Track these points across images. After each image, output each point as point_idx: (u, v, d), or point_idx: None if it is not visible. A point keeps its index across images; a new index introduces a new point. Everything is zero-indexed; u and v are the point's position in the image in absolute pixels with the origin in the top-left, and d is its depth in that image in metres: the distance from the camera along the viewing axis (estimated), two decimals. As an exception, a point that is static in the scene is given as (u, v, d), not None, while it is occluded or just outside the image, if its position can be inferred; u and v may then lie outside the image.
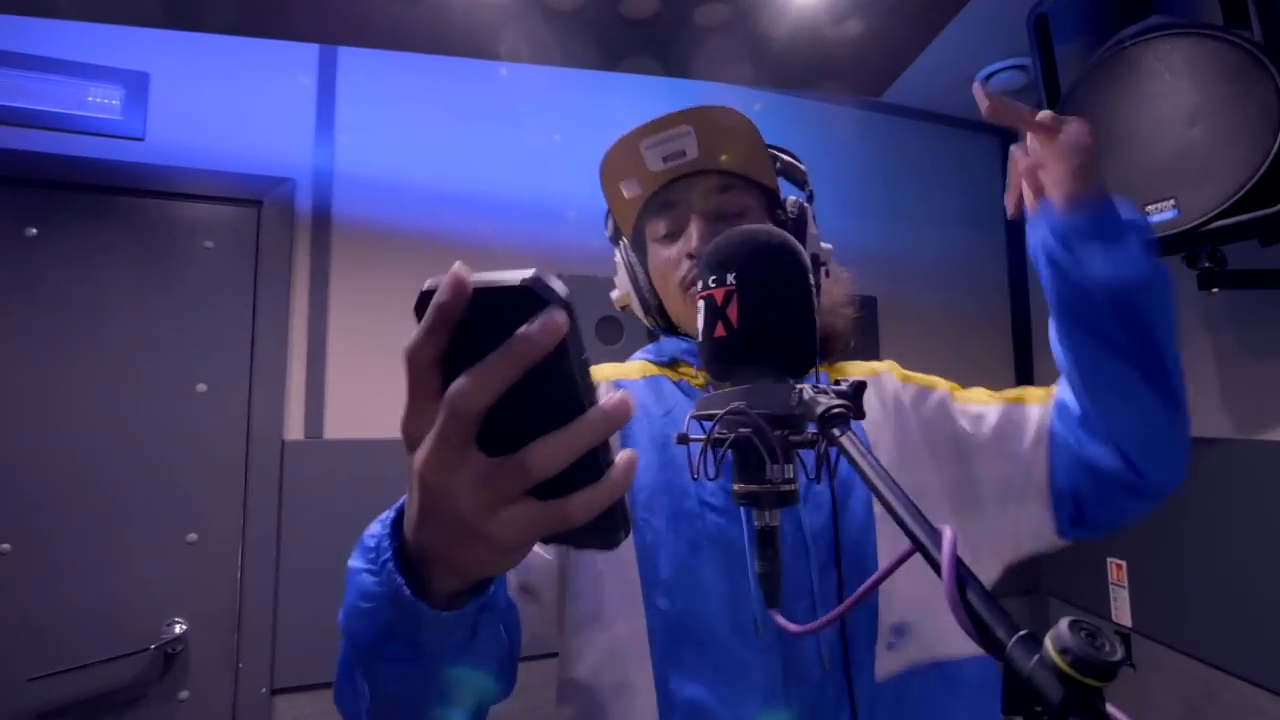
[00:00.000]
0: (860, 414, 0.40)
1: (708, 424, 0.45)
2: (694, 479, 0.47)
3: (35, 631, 1.31)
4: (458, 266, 0.27)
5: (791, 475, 0.44)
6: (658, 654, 0.59)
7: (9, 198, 1.37)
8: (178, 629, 1.39)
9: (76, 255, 1.41)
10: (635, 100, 1.80)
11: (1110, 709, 0.23)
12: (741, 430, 0.43)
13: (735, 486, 0.45)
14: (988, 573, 0.69)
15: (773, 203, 0.73)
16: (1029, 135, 0.60)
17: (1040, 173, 0.60)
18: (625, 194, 0.71)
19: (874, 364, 0.80)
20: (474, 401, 0.27)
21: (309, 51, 1.59)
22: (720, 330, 0.45)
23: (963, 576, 0.28)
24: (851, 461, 0.36)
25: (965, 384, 0.82)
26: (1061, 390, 0.69)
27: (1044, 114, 0.59)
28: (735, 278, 0.44)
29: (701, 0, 1.15)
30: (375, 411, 1.56)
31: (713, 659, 0.58)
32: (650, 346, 0.80)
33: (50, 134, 1.40)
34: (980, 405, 0.73)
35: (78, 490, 1.37)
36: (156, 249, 1.46)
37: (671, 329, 0.76)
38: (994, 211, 2.30)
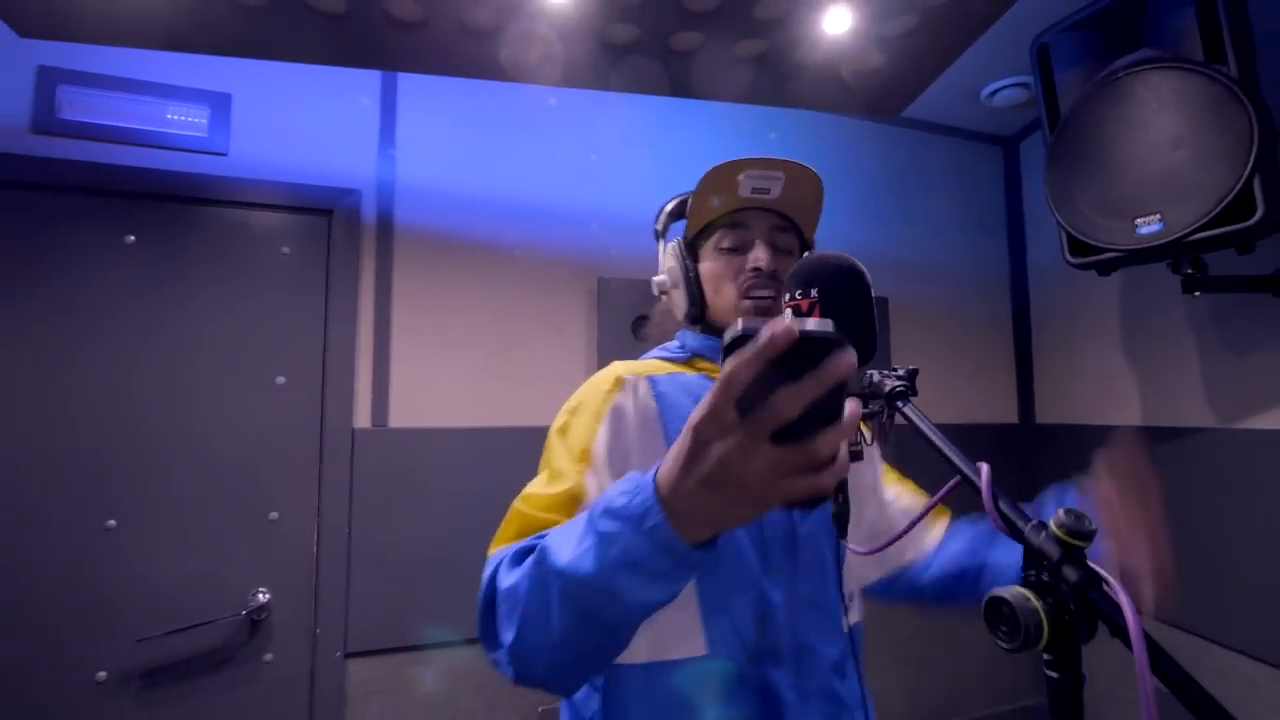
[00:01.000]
0: (915, 392, 0.55)
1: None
2: None
3: (140, 598, 1.46)
4: (789, 324, 0.36)
5: (859, 439, 0.59)
6: (705, 597, 0.75)
7: (111, 208, 1.52)
8: (262, 598, 1.55)
9: (169, 260, 1.56)
10: (667, 120, 1.95)
11: (1088, 561, 0.38)
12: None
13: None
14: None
15: (804, 252, 0.89)
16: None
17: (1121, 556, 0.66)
18: (711, 205, 0.85)
19: None
20: (792, 410, 0.37)
21: (372, 75, 1.73)
22: (804, 331, 0.60)
23: (996, 493, 0.43)
24: (914, 424, 0.51)
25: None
26: (936, 550, 0.89)
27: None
28: (818, 291, 0.59)
29: (742, 35, 1.29)
30: (434, 403, 1.71)
31: (747, 600, 0.75)
32: (665, 346, 0.93)
33: (145, 150, 1.55)
34: (897, 489, 0.95)
35: (173, 473, 1.52)
36: (239, 254, 1.61)
37: (700, 321, 0.90)
38: (996, 217, 2.45)
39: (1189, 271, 1.43)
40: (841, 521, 0.60)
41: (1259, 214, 1.22)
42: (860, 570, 0.86)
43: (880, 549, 0.58)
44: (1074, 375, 2.20)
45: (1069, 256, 1.54)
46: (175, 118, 1.57)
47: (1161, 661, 0.36)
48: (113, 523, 1.47)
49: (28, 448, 1.43)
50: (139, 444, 1.50)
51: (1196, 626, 1.72)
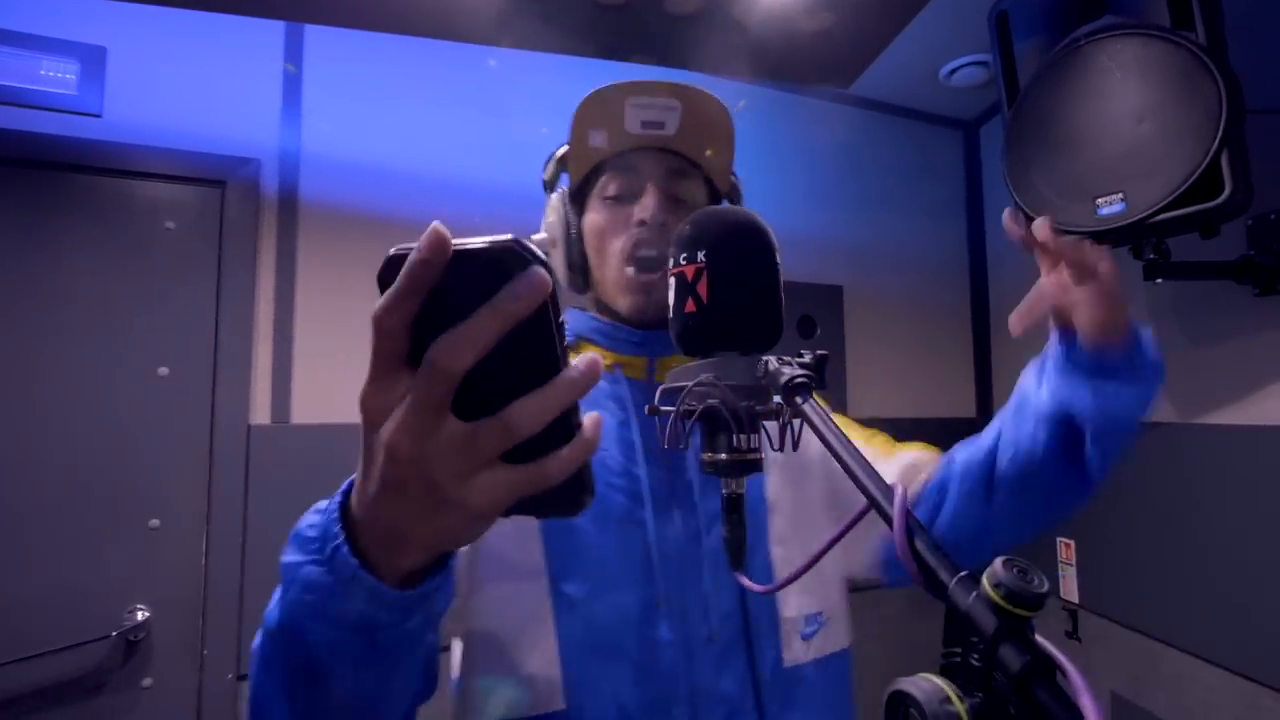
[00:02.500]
0: (823, 384, 0.42)
1: (674, 397, 0.47)
2: (665, 448, 0.49)
3: (-10, 620, 1.28)
4: (437, 225, 0.26)
5: (756, 444, 0.46)
6: (564, 639, 0.60)
7: (-43, 173, 1.33)
8: (140, 616, 1.37)
9: (31, 234, 1.37)
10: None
11: (1037, 638, 0.26)
12: (709, 401, 0.45)
13: (704, 455, 0.47)
14: (831, 580, 0.72)
15: (717, 199, 0.75)
16: (1060, 266, 0.60)
17: (1069, 306, 0.60)
18: (591, 142, 0.70)
19: None
20: (459, 360, 0.26)
21: (274, 29, 1.55)
22: (690, 306, 0.46)
23: (911, 527, 0.31)
24: (814, 428, 0.38)
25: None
26: (964, 456, 0.70)
27: (1088, 252, 0.59)
28: (705, 255, 0.46)
29: (673, -12, 1.16)
30: (344, 396, 1.54)
31: (621, 638, 0.61)
32: None
33: (1, 108, 1.35)
34: (879, 453, 0.78)
35: (35, 476, 1.33)
36: (116, 229, 1.43)
37: (586, 289, 0.75)
38: (956, 202, 2.37)
39: (1151, 257, 1.34)
40: (734, 548, 0.47)
41: (1226, 193, 1.13)
42: (819, 580, 0.70)
43: (783, 585, 0.45)
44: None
45: (1027, 240, 1.44)
46: (38, 72, 1.37)
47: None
48: (-42, 534, 1.28)
49: None
50: (-9, 444, 1.31)
51: (1154, 630, 1.65)
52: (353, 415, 1.25)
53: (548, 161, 0.78)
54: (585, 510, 0.32)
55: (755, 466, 0.46)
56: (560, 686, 0.59)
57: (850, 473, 0.35)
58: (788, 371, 0.41)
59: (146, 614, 1.38)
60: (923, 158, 2.32)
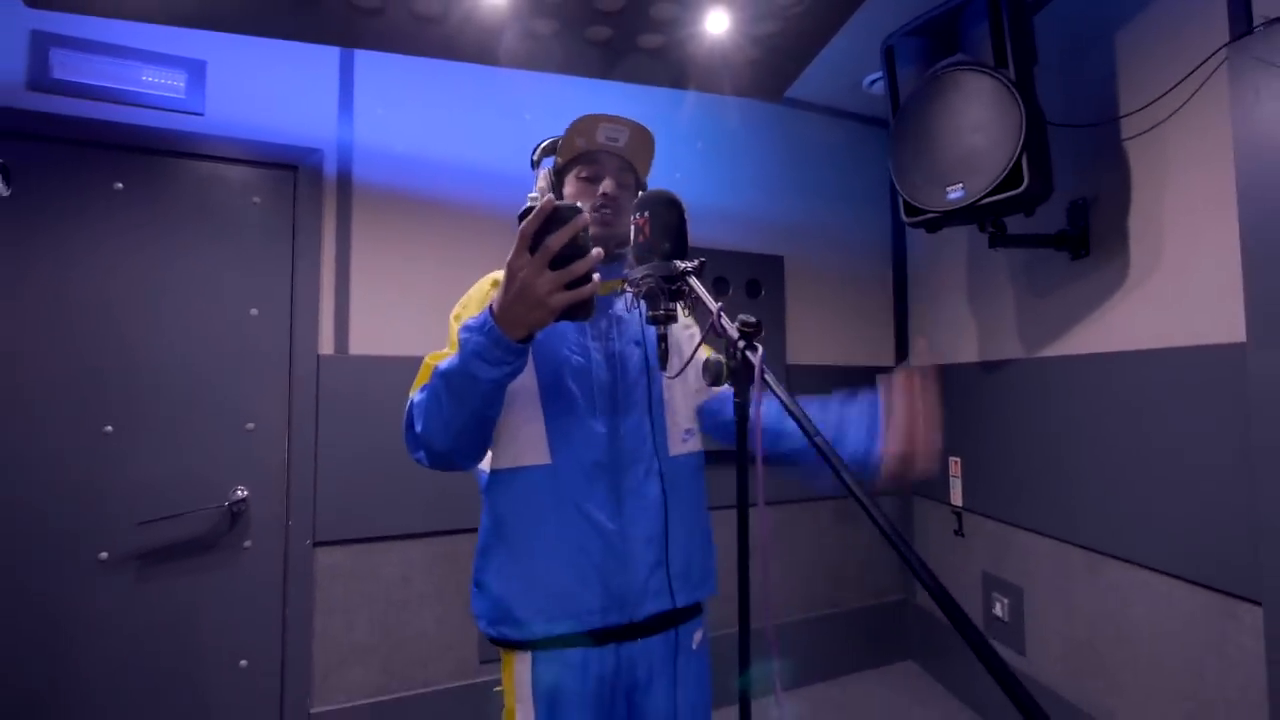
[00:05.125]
0: (700, 274, 0.90)
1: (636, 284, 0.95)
2: (627, 311, 0.97)
3: (134, 490, 1.73)
4: (550, 197, 0.75)
5: (674, 308, 0.94)
6: (550, 428, 1.07)
7: (101, 158, 1.75)
8: (240, 493, 1.83)
9: (153, 205, 1.80)
10: (598, 99, 2.25)
11: (753, 342, 0.74)
12: (649, 284, 0.92)
13: (649, 314, 0.95)
14: (693, 413, 1.20)
15: (640, 187, 1.21)
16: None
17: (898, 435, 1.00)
18: (576, 143, 1.14)
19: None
20: (556, 245, 0.75)
21: (331, 48, 1.98)
22: (641, 238, 0.94)
23: (720, 312, 0.78)
24: (694, 290, 0.86)
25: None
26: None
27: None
28: (649, 213, 0.93)
29: (642, 30, 1.61)
30: (389, 334, 2.00)
31: (578, 430, 1.07)
32: None
33: (129, 108, 1.77)
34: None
35: (160, 388, 1.77)
36: (216, 202, 1.86)
37: None
38: (880, 187, 2.86)
39: (991, 230, 1.84)
40: (663, 358, 0.95)
41: (1025, 185, 1.62)
42: (685, 410, 1.18)
43: (678, 374, 0.94)
44: (934, 323, 2.64)
45: (904, 217, 1.93)
46: (157, 80, 1.79)
47: (775, 391, 0.70)
48: (110, 428, 1.72)
49: (35, 365, 1.67)
50: (131, 363, 1.75)
51: (1008, 518, 2.18)
52: (395, 349, 1.91)
53: (535, 149, 1.23)
54: (589, 318, 0.81)
55: (674, 319, 0.94)
56: (547, 451, 1.06)
57: (703, 302, 0.83)
58: (683, 266, 0.89)
59: (246, 492, 1.84)
60: (852, 151, 2.81)
